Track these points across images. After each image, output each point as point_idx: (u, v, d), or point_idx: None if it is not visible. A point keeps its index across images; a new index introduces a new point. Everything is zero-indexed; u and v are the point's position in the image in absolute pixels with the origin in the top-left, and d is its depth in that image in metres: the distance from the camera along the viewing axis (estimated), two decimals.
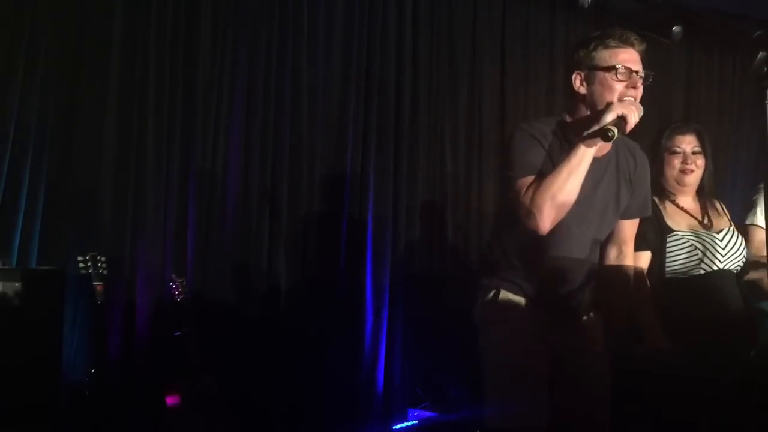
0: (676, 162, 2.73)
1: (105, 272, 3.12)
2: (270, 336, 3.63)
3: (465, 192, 4.22)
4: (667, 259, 2.64)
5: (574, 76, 2.06)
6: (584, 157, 1.92)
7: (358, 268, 3.90)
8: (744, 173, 4.80)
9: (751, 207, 2.85)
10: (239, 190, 3.67)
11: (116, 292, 3.31)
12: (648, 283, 2.57)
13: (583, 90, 2.04)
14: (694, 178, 2.74)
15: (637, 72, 2.00)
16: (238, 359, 3.52)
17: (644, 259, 2.61)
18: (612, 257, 2.31)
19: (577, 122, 2.05)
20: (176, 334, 3.21)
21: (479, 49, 4.31)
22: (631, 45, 2.03)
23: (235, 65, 3.71)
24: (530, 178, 1.96)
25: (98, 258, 3.12)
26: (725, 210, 2.82)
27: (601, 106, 1.97)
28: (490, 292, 2.13)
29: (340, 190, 3.91)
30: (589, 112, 2.02)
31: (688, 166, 2.72)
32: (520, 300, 2.09)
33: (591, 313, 2.19)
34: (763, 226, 2.90)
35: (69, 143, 3.39)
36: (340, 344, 3.76)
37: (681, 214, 2.73)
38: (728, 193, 4.03)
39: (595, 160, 1.99)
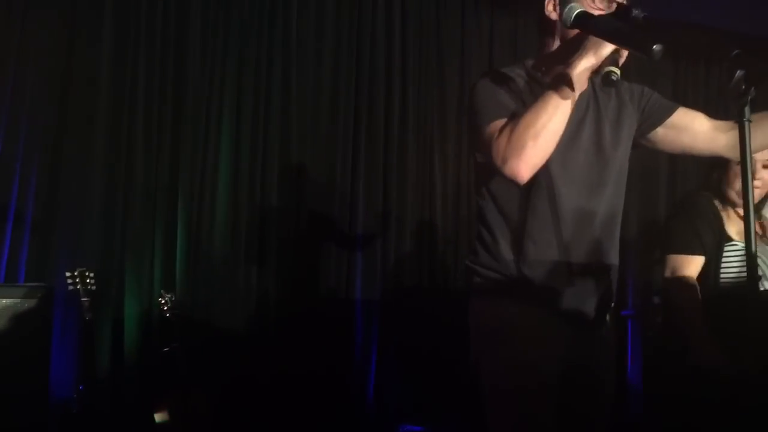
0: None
1: (93, 288, 3.12)
2: (259, 352, 3.62)
3: (455, 204, 4.23)
4: (723, 269, 2.49)
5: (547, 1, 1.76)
6: (571, 93, 1.59)
7: (348, 282, 3.90)
8: None
9: None
10: (228, 206, 3.67)
11: (105, 308, 3.31)
12: (699, 290, 2.44)
13: (555, 15, 1.75)
14: (759, 193, 2.58)
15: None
16: (226, 375, 3.51)
17: (697, 264, 2.49)
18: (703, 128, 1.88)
19: (551, 57, 1.77)
20: (165, 349, 3.20)
21: (468, 59, 4.33)
22: None
23: (224, 81, 3.72)
24: (503, 121, 1.66)
25: (87, 274, 3.12)
26: None
27: (573, 41, 1.67)
28: (486, 297, 1.81)
29: (330, 204, 3.92)
30: (559, 43, 1.76)
31: (756, 181, 2.56)
32: (522, 304, 1.76)
33: (608, 316, 1.88)
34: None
35: (57, 159, 3.39)
36: (329, 360, 3.75)
37: (739, 221, 2.55)
38: None
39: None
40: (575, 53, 1.60)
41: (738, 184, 2.51)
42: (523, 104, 1.70)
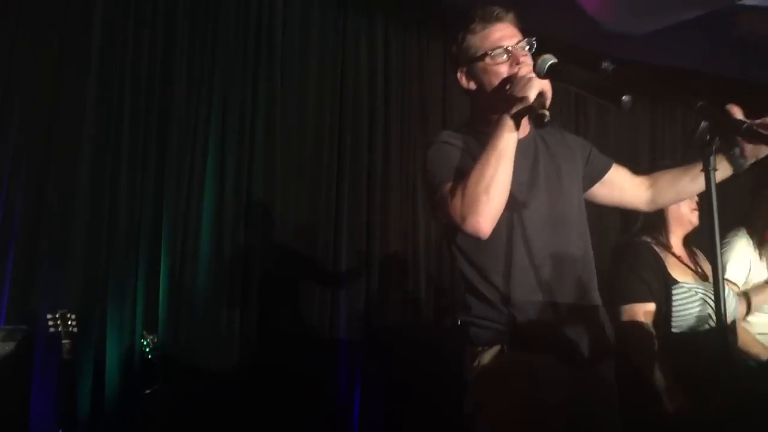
0: (687, 199, 2.56)
1: (75, 330, 3.10)
2: (242, 394, 3.60)
3: (438, 243, 4.26)
4: (676, 313, 2.48)
5: (459, 76, 1.90)
6: (510, 139, 1.67)
7: (332, 322, 3.90)
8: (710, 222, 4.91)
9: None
10: (212, 246, 3.67)
11: (86, 350, 3.28)
12: (655, 338, 2.44)
13: (472, 85, 1.88)
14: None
15: (515, 46, 1.80)
16: (208, 418, 3.48)
17: (649, 311, 2.49)
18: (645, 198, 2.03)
19: (483, 114, 1.87)
20: (146, 392, 3.17)
21: (450, 96, 4.41)
22: (498, 20, 1.83)
23: (208, 114, 3.74)
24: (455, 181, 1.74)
25: (68, 315, 3.10)
26: (706, 259, 2.71)
27: (495, 94, 1.78)
28: (477, 348, 1.82)
29: (313, 243, 3.94)
30: (483, 103, 1.86)
31: (693, 206, 2.62)
32: (521, 350, 1.76)
33: (607, 351, 1.89)
34: (733, 280, 2.95)
35: (40, 198, 3.39)
36: (313, 401, 3.74)
37: (678, 263, 2.60)
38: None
39: (521, 141, 1.76)
40: (504, 102, 1.69)
41: (687, 212, 2.61)
42: (470, 155, 1.77)
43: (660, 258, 2.56)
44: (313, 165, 4.01)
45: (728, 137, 1.41)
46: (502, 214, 1.72)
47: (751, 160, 1.81)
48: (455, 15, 4.37)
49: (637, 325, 2.49)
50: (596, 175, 2.01)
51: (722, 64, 4.96)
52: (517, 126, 1.68)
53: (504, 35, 1.81)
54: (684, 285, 2.52)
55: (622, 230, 2.77)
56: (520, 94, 1.66)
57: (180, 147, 3.66)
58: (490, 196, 1.65)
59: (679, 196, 2.04)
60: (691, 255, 2.69)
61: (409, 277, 4.20)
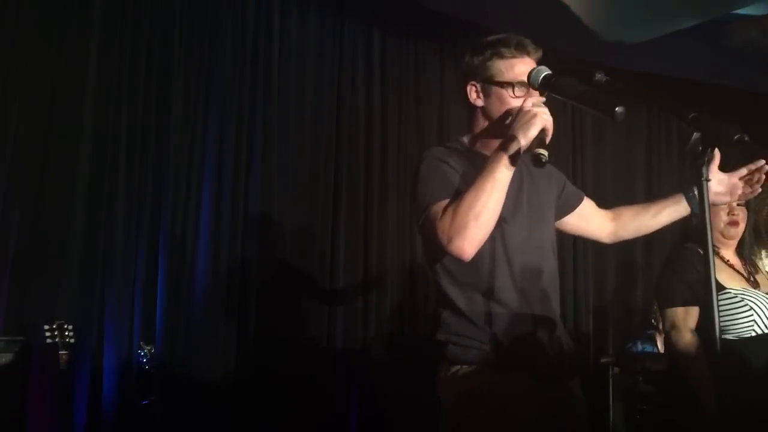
0: (722, 213, 2.63)
1: (72, 341, 3.09)
2: (239, 405, 3.59)
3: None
4: (721, 319, 2.42)
5: (469, 87, 1.91)
6: (506, 174, 1.70)
7: (329, 336, 3.90)
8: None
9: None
10: (209, 258, 3.67)
11: (83, 361, 3.28)
12: (698, 341, 2.49)
13: (480, 102, 1.90)
14: (739, 231, 2.65)
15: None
16: (205, 428, 3.47)
17: (694, 315, 2.54)
18: (608, 230, 2.13)
19: (483, 134, 1.91)
20: (143, 402, 3.17)
21: (446, 110, 4.43)
22: (528, 53, 1.86)
23: (206, 130, 3.76)
24: (446, 201, 1.75)
25: (65, 326, 3.09)
26: (764, 268, 2.73)
27: (500, 120, 1.83)
28: (455, 367, 1.82)
29: (310, 257, 3.94)
30: (486, 122, 1.90)
31: (735, 217, 2.64)
32: (497, 368, 1.79)
33: (577, 368, 1.96)
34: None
35: (37, 209, 3.38)
36: (310, 413, 3.73)
37: (727, 269, 2.62)
38: None
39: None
40: (505, 134, 1.72)
41: (714, 222, 2.57)
42: (463, 177, 1.81)
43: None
44: (310, 175, 4.02)
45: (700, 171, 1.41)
46: None
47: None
48: (452, 26, 4.47)
49: (682, 329, 2.55)
50: (569, 207, 2.09)
51: (717, 73, 5.00)
52: (514, 162, 1.70)
53: (528, 71, 1.80)
54: (730, 291, 2.55)
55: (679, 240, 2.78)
56: (522, 131, 1.68)
57: (177, 158, 3.66)
58: (479, 223, 1.68)
59: (640, 230, 2.12)
60: (746, 263, 2.70)
61: (407, 286, 4.20)
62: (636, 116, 5.17)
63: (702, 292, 2.49)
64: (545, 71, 1.71)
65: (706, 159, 1.42)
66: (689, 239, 2.69)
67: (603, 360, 4.40)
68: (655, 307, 4.51)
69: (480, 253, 1.75)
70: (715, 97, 4.95)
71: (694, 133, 1.42)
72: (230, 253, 3.73)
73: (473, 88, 1.91)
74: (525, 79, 1.79)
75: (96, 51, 3.51)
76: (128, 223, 3.50)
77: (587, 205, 2.13)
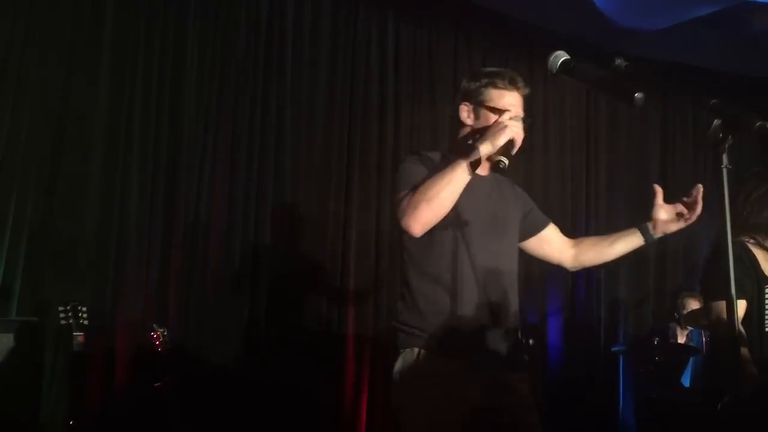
0: None
1: (86, 322, 3.11)
2: (250, 388, 3.61)
3: None
4: (766, 312, 2.44)
5: (462, 106, 2.09)
6: (465, 170, 1.90)
7: (341, 319, 3.91)
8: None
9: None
10: (222, 242, 3.69)
11: (97, 342, 3.30)
12: (745, 333, 2.41)
13: (470, 122, 2.08)
14: None
15: (522, 118, 2.04)
16: (217, 410, 3.50)
17: (740, 308, 2.43)
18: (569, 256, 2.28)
19: (460, 143, 2.08)
20: (156, 384, 3.19)
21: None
22: (517, 89, 2.07)
23: (219, 119, 3.77)
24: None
25: (79, 308, 3.11)
26: None
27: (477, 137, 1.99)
28: (405, 350, 2.00)
29: (322, 241, 3.95)
30: (470, 141, 2.03)
31: None
32: (441, 356, 1.94)
33: (525, 357, 2.12)
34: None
35: (52, 193, 3.40)
36: (321, 398, 3.75)
37: None
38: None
39: (481, 177, 2.03)
40: (477, 141, 1.93)
41: (765, 214, 2.50)
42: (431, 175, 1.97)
43: (754, 257, 2.50)
44: (323, 162, 4.02)
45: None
46: (449, 232, 1.98)
47: (659, 234, 2.15)
48: (466, 12, 4.44)
49: (725, 322, 2.51)
50: (532, 230, 2.25)
51: (736, 61, 4.94)
52: (474, 168, 1.91)
53: (515, 102, 2.05)
54: None
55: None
56: (491, 139, 1.90)
57: (191, 143, 3.67)
58: (429, 206, 1.89)
59: (599, 258, 2.28)
60: None
61: None
62: (651, 105, 5.12)
63: (749, 285, 2.46)
64: (564, 56, 1.68)
65: (726, 146, 1.40)
66: (738, 233, 2.59)
67: (614, 349, 4.40)
68: (680, 300, 4.51)
69: (443, 246, 1.98)
70: (734, 85, 4.89)
71: (715, 120, 1.40)
72: (243, 237, 3.74)
73: (465, 107, 2.09)
74: (511, 109, 2.01)
75: (109, 42, 3.53)
76: (141, 206, 3.52)
77: (551, 231, 2.29)
